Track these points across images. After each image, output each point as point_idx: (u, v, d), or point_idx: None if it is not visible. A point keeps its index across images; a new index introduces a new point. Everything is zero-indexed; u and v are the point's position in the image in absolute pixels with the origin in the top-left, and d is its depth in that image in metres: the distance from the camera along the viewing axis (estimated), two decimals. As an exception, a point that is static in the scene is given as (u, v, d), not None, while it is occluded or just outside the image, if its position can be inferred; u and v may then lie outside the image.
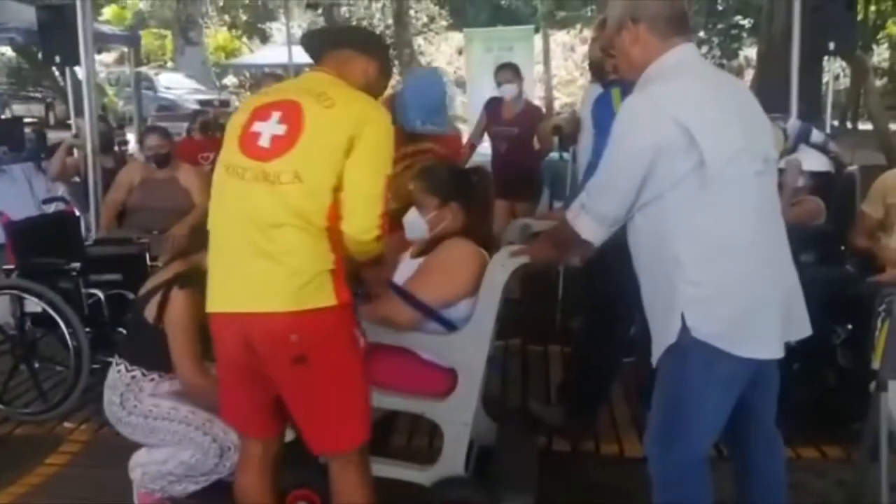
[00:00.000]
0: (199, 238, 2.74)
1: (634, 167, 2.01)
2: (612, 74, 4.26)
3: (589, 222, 2.15)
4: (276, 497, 2.29)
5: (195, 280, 2.65)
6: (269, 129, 2.03)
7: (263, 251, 1.97)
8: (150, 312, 2.76)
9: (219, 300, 2.07)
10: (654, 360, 2.10)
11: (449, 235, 2.60)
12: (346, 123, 2.00)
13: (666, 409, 2.09)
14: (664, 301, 2.03)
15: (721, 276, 1.98)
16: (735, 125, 2.00)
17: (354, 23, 21.79)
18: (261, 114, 2.08)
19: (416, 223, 2.63)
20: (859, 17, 11.56)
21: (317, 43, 2.30)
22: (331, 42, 2.28)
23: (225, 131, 2.18)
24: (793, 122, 4.46)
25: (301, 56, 2.37)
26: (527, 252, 2.48)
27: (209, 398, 2.59)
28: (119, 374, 2.80)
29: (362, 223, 2.04)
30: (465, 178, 2.72)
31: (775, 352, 2.03)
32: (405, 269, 2.64)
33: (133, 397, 2.76)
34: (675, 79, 2.05)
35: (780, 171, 3.47)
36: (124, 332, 3.54)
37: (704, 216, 1.97)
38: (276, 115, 2.05)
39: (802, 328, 2.10)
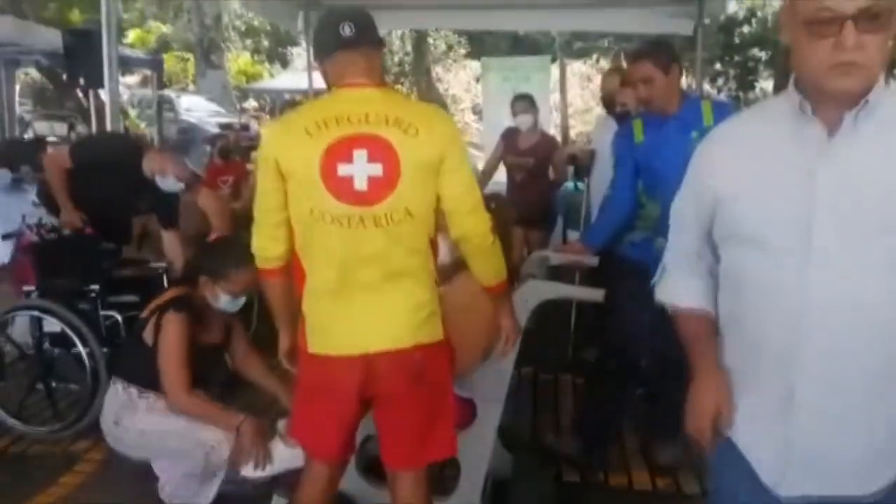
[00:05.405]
0: (200, 264, 2.84)
1: None
2: (619, 107, 4.31)
3: None
4: None
5: (188, 305, 2.78)
6: (360, 171, 2.00)
7: (382, 291, 2.06)
8: (147, 334, 2.86)
9: (339, 344, 2.10)
10: (864, 491, 1.49)
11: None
12: (435, 146, 2.05)
13: None
14: None
15: None
16: None
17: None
18: (340, 154, 2.00)
19: (440, 248, 2.65)
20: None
21: (330, 45, 2.14)
22: (348, 43, 2.10)
23: (279, 166, 2.04)
24: None
25: (322, 81, 2.32)
26: None
27: (198, 418, 2.74)
28: (115, 392, 2.87)
29: (482, 223, 2.13)
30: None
31: None
32: None
33: (127, 416, 2.81)
34: None
35: None
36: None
37: None
38: (360, 153, 2.00)
39: None
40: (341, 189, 2.00)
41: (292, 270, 2.20)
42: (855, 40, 1.35)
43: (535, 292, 2.57)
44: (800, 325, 1.42)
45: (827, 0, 1.35)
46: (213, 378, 3.08)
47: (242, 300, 2.81)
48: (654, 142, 3.06)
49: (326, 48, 2.16)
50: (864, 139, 1.42)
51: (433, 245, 2.16)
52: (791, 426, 1.46)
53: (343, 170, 2.00)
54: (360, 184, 2.00)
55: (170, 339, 2.77)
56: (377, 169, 2.00)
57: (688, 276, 1.69)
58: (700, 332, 1.66)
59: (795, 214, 1.42)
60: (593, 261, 3.12)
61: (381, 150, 2.01)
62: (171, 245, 4.09)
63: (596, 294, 2.83)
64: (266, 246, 2.17)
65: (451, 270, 2.59)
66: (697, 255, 1.67)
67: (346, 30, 2.10)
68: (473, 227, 2.13)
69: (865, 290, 1.39)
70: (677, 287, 1.71)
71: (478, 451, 2.57)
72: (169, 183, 3.82)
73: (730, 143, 1.56)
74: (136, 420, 2.82)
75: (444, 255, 2.55)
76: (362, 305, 2.07)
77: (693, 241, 1.66)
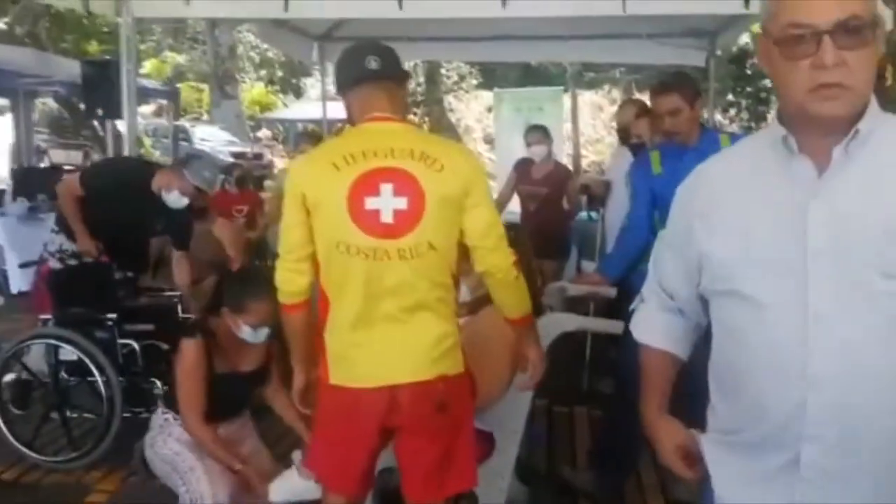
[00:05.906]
0: (223, 294, 2.84)
1: None
2: (634, 138, 4.31)
3: None
4: None
5: (204, 331, 2.78)
6: (387, 204, 2.02)
7: (404, 323, 2.07)
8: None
9: (363, 376, 2.10)
10: None
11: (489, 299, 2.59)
12: (459, 182, 2.07)
13: None
14: None
15: None
16: None
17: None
18: (367, 188, 2.01)
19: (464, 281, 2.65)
20: (887, 82, 11.58)
21: (355, 75, 2.15)
22: (373, 76, 2.13)
23: (305, 200, 2.05)
24: None
25: (335, 111, 2.33)
26: None
27: (211, 451, 2.72)
28: (157, 416, 2.92)
29: (505, 258, 2.15)
30: None
31: None
32: None
33: (161, 440, 2.83)
34: None
35: None
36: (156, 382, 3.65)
37: None
38: (386, 187, 2.02)
39: None
40: (368, 222, 2.02)
41: (315, 304, 2.21)
42: (834, 58, 1.17)
43: (555, 324, 2.56)
44: (803, 387, 1.26)
45: (799, 15, 1.19)
46: (246, 406, 3.05)
47: (265, 331, 2.79)
48: (673, 173, 3.04)
49: (350, 80, 2.18)
50: (857, 174, 1.24)
51: (455, 279, 2.17)
52: (796, 492, 1.32)
53: (370, 203, 2.02)
54: (387, 217, 2.02)
55: (182, 364, 2.78)
56: (403, 202, 2.02)
57: (657, 312, 1.61)
58: (653, 372, 1.65)
59: (788, 264, 1.26)
60: (611, 292, 3.11)
61: (406, 183, 2.03)
62: (180, 266, 4.10)
63: (615, 326, 2.82)
64: (290, 279, 2.17)
65: (477, 303, 2.58)
66: (671, 293, 1.56)
67: (372, 63, 2.12)
68: (497, 263, 2.14)
69: (870, 344, 1.23)
70: (645, 321, 1.65)
71: (495, 483, 2.55)
72: (173, 198, 3.84)
73: (713, 187, 1.42)
74: (166, 446, 2.84)
75: (465, 295, 2.58)
76: (385, 337, 2.08)
77: (671, 280, 1.55)
